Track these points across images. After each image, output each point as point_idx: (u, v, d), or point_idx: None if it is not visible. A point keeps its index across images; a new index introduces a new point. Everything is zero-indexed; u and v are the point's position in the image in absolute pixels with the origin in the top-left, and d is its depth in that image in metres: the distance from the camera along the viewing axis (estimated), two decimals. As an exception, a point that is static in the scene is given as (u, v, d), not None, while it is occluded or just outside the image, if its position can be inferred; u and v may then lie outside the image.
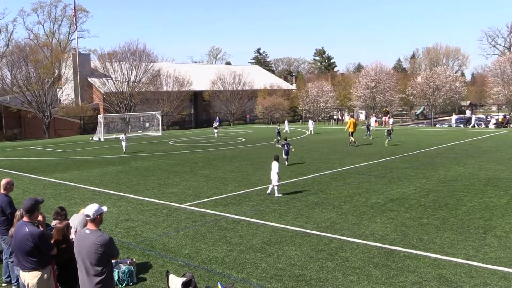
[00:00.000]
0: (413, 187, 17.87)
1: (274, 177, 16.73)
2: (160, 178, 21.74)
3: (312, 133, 45.75)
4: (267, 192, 17.11)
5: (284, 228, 12.75)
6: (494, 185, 17.83)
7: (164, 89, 65.88)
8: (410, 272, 9.36)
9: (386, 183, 18.84)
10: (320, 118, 72.74)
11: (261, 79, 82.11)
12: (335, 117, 73.54)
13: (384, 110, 65.65)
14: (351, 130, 33.57)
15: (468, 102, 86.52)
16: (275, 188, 16.84)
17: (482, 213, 13.78)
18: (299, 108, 75.34)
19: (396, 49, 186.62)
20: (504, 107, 65.43)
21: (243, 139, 42.15)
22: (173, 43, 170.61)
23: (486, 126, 54.58)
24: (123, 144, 33.20)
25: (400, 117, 70.50)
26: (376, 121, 52.03)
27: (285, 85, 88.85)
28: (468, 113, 60.79)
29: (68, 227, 7.30)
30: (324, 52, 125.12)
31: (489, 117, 59.79)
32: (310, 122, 48.94)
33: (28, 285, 6.82)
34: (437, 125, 58.89)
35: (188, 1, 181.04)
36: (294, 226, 12.86)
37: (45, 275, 6.82)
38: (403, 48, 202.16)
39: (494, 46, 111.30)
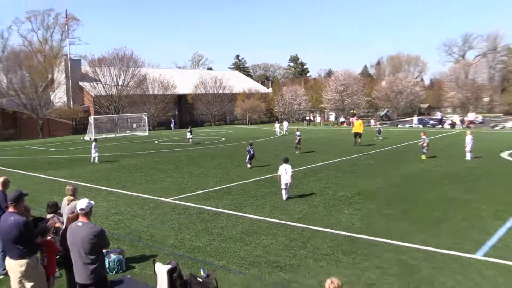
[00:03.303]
0: (377, 182, 18.13)
1: (285, 179, 15.19)
2: (147, 174, 21.63)
3: (287, 133, 45.95)
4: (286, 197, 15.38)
5: (261, 219, 12.85)
6: (449, 180, 18.19)
7: (150, 92, 65.43)
8: (374, 258, 9.55)
9: (353, 178, 19.08)
10: (294, 119, 73.01)
11: (240, 83, 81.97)
12: (307, 118, 73.83)
13: (352, 112, 66.23)
14: (358, 131, 31.81)
15: (427, 105, 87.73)
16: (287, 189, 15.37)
17: (438, 205, 14.07)
18: (275, 110, 75.53)
19: (363, 56, 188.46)
20: (458, 109, 66.58)
21: (223, 139, 42.10)
22: (159, 49, 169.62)
23: (442, 126, 55.49)
24: (93, 153, 26.78)
25: (366, 119, 71.13)
26: (344, 122, 52.45)
27: (262, 89, 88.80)
28: (439, 114, 61.72)
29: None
30: (298, 59, 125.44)
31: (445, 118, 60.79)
32: (285, 123, 49.12)
33: (15, 273, 6.74)
34: (398, 126, 59.59)
35: (173, 11, 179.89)
36: (270, 218, 12.96)
37: (31, 263, 6.77)
38: (369, 56, 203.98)
39: (450, 54, 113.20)
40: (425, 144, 24.09)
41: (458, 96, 66.81)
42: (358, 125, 31.64)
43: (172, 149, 33.46)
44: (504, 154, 25.23)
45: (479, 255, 9.57)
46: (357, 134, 31.38)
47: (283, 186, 15.27)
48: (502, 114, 73.26)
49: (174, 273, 7.17)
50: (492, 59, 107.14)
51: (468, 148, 23.74)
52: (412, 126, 57.40)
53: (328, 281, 5.22)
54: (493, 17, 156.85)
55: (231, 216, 13.30)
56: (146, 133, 52.95)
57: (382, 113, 75.93)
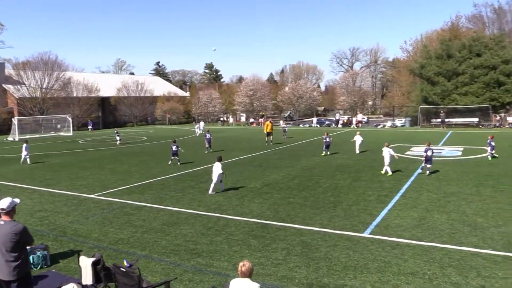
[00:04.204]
0: (283, 174, 18.54)
1: (214, 176, 14.79)
2: (71, 172, 20.37)
3: (203, 132, 45.54)
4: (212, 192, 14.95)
5: (180, 211, 12.60)
6: (342, 171, 19.07)
7: (75, 95, 61.92)
8: (280, 240, 9.73)
9: (262, 171, 19.34)
10: (209, 120, 72.75)
11: (160, 88, 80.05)
12: (221, 119, 73.89)
13: (260, 113, 67.26)
14: (269, 131, 31.85)
15: (323, 108, 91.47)
16: (212, 186, 14.90)
17: (333, 192, 14.69)
18: (192, 112, 74.80)
19: (269, 64, 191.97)
20: (348, 111, 70.14)
21: (145, 138, 40.86)
22: (83, 54, 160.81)
23: (336, 125, 58.14)
24: (24, 154, 23.72)
25: (272, 119, 72.66)
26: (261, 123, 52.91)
27: (180, 92, 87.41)
28: (337, 116, 64.24)
29: None
30: (213, 66, 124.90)
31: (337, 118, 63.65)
32: (201, 123, 48.76)
33: None
34: (300, 125, 61.53)
35: (98, 17, 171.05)
36: (189, 209, 12.75)
37: None
38: (274, 64, 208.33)
39: (340, 65, 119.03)
40: (327, 140, 24.53)
41: (348, 100, 70.45)
42: (269, 126, 32.24)
43: (96, 148, 31.83)
44: (390, 149, 26.87)
45: (366, 234, 10.11)
46: (269, 134, 31.86)
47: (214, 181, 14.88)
48: (382, 116, 78.45)
49: (98, 265, 6.80)
50: (374, 69, 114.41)
51: (357, 144, 25.20)
52: (311, 126, 59.53)
53: (240, 264, 5.21)
54: (375, 33, 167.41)
55: (152, 209, 12.90)
56: (71, 133, 50.11)
57: (286, 115, 78.04)
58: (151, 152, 28.55)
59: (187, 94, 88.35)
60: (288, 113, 75.13)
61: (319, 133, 42.43)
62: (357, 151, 25.06)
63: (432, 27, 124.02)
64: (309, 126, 59.96)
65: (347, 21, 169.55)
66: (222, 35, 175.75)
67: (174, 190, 15.69)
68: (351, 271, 7.96)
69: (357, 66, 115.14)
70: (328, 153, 24.62)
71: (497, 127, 44.75)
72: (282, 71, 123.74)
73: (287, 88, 76.98)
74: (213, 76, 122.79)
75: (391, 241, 9.53)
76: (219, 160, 15.05)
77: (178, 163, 21.80)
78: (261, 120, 63.07)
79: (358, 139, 25.36)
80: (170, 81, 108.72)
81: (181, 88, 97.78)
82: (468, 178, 16.62)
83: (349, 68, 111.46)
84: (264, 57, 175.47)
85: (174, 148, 21.88)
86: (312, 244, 9.46)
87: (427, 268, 8.05)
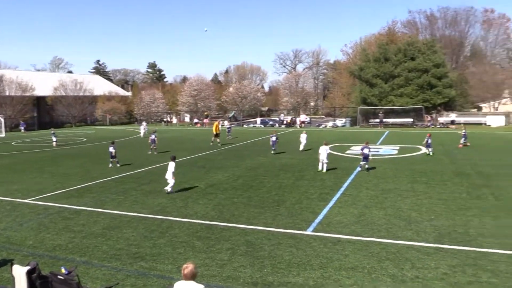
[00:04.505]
0: (227, 174, 18.54)
1: (169, 176, 14.75)
2: (4, 176, 19.15)
3: (146, 132, 44.56)
4: (166, 189, 14.91)
5: (122, 214, 12.24)
6: (285, 170, 19.38)
7: (7, 94, 58.22)
8: (225, 241, 9.73)
9: (206, 172, 19.23)
10: (152, 120, 71.21)
11: (101, 87, 77.17)
12: (165, 119, 72.56)
13: (205, 114, 66.79)
14: (216, 131, 31.60)
15: (266, 108, 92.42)
16: (170, 185, 14.87)
17: (277, 191, 14.90)
18: (134, 112, 72.89)
19: (213, 64, 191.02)
20: (291, 111, 71.41)
21: (85, 139, 39.26)
22: (17, 51, 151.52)
23: (279, 125, 58.97)
24: None
25: (217, 120, 72.46)
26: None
27: (122, 92, 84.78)
28: (282, 116, 64.94)
29: None
30: (156, 65, 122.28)
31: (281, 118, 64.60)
32: (144, 123, 47.68)
33: None
34: (244, 126, 61.78)
35: (33, 10, 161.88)
36: (131, 212, 12.42)
37: None
38: (219, 64, 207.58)
39: (284, 66, 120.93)
40: (273, 139, 25.28)
41: (291, 101, 71.73)
42: (215, 126, 32.10)
43: (31, 150, 30.14)
44: (328, 147, 27.65)
45: (309, 231, 10.35)
46: (217, 135, 31.65)
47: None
48: (324, 116, 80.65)
49: (34, 274, 6.44)
50: (316, 71, 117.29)
51: (303, 142, 26.29)
52: (255, 126, 59.97)
53: (183, 266, 5.16)
54: (317, 36, 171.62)
55: (92, 213, 12.43)
56: (3, 135, 47.05)
57: (230, 115, 78.13)
58: (90, 153, 27.50)
59: (129, 93, 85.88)
60: (233, 113, 75.27)
61: (264, 133, 42.85)
62: (301, 148, 26.12)
63: (370, 31, 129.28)
64: (253, 126, 60.37)
65: (290, 23, 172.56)
66: (165, 33, 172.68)
67: (116, 192, 15.21)
68: (294, 268, 8.12)
69: (300, 67, 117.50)
70: (273, 152, 25.07)
71: (429, 126, 47.41)
72: (227, 72, 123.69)
73: (231, 89, 77.08)
74: (156, 75, 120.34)
75: (333, 238, 9.83)
76: (173, 159, 14.99)
77: (118, 165, 21.09)
78: (205, 120, 62.70)
79: (303, 137, 26.44)
80: (111, 80, 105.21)
81: (122, 87, 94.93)
82: (404, 175, 17.49)
83: (292, 69, 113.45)
84: (209, 57, 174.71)
85: (111, 149, 21.14)
86: (256, 243, 9.55)
87: (366, 262, 8.38)
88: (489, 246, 9.13)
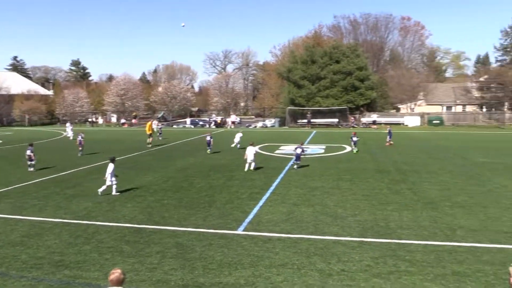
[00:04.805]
0: (157, 176, 18.13)
1: (108, 177, 14.35)
2: None
3: (73, 133, 42.34)
4: (100, 191, 14.42)
5: (44, 220, 11.51)
6: (216, 170, 19.35)
7: None
8: (154, 244, 9.51)
9: (135, 173, 18.67)
10: (76, 120, 67.78)
11: (18, 85, 71.99)
12: (90, 120, 69.37)
13: (133, 114, 64.78)
14: (148, 132, 30.73)
15: (197, 108, 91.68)
16: (113, 187, 14.41)
17: (207, 192, 14.84)
18: (56, 112, 68.87)
19: (141, 63, 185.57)
20: (221, 112, 71.50)
21: (1, 141, 36.41)
22: None
23: (210, 125, 58.78)
24: None
25: (146, 120, 70.59)
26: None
27: (42, 91, 79.69)
28: (213, 116, 64.50)
29: None
30: (80, 63, 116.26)
31: (211, 119, 64.51)
32: (68, 124, 45.33)
33: None
34: (173, 126, 60.79)
35: None
36: (53, 218, 11.71)
37: None
38: (147, 63, 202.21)
39: (214, 66, 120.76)
40: (208, 139, 25.74)
41: (221, 101, 71.85)
42: (148, 127, 31.22)
43: None
44: (256, 147, 28.06)
45: (240, 231, 10.43)
46: (150, 135, 30.81)
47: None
48: (254, 116, 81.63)
49: None
50: (245, 72, 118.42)
51: (236, 141, 27.93)
52: (185, 127, 59.25)
53: (111, 272, 4.98)
54: (246, 37, 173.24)
55: (9, 220, 11.55)
56: None
57: (160, 115, 76.59)
58: (8, 156, 25.57)
59: (51, 92, 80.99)
60: (162, 113, 73.79)
61: (194, 133, 42.51)
62: (233, 145, 27.80)
63: (298, 34, 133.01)
64: (183, 127, 59.63)
65: (220, 23, 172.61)
66: (90, 29, 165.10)
67: (36, 197, 14.27)
68: (226, 268, 8.14)
69: (230, 68, 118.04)
70: (209, 151, 25.41)
71: (353, 127, 49.75)
72: (155, 71, 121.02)
73: (160, 88, 75.58)
74: (80, 73, 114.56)
75: (263, 236, 9.98)
76: (112, 160, 14.65)
77: (31, 169, 19.65)
78: (134, 121, 60.90)
79: (237, 136, 28.28)
80: (30, 78, 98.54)
81: (43, 86, 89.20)
82: (330, 174, 18.20)
83: (222, 70, 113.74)
84: (136, 56, 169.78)
85: (29, 152, 19.78)
86: (187, 245, 9.44)
87: (296, 258, 8.61)
88: (407, 238, 9.78)
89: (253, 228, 10.63)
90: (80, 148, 25.69)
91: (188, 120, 64.03)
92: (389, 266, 8.16)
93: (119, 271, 4.94)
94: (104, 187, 14.47)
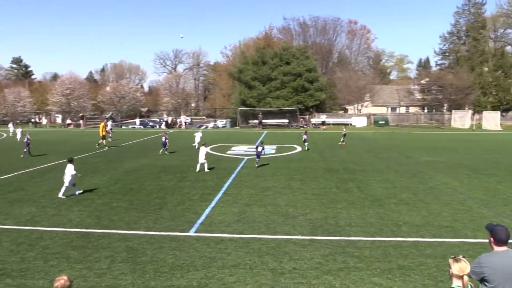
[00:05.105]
0: (105, 178, 17.58)
1: (66, 179, 14.08)
2: None
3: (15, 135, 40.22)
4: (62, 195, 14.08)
5: (-19, 227, 10.83)
6: (167, 172, 19.04)
7: None
8: (103, 249, 9.21)
9: (82, 176, 17.93)
10: (18, 121, 64.35)
11: (-49, 84, 67.57)
12: (33, 120, 66.09)
13: (80, 115, 62.42)
14: (102, 133, 29.72)
15: (146, 109, 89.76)
16: (62, 189, 14.07)
17: (158, 194, 14.57)
18: (-5, 112, 65.19)
19: (88, 62, 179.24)
20: (172, 112, 70.47)
21: None
22: None
23: (160, 126, 57.76)
24: None
25: (93, 120, 68.33)
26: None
27: (-21, 90, 75.17)
28: (165, 117, 63.18)
29: None
30: (21, 61, 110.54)
31: (161, 119, 63.44)
32: (10, 125, 43.25)
33: None
34: (123, 127, 59.18)
35: None
36: (-8, 224, 11.06)
37: None
38: (94, 62, 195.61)
39: (164, 66, 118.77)
40: (163, 139, 25.56)
41: (172, 101, 70.82)
42: (101, 128, 30.14)
43: None
44: (208, 148, 27.91)
45: (191, 232, 10.32)
46: (104, 136, 29.76)
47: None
48: (205, 117, 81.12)
49: None
50: (196, 72, 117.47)
51: (197, 141, 28.63)
52: (135, 127, 57.87)
53: (56, 279, 4.77)
54: (197, 37, 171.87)
55: None
56: None
57: (108, 116, 74.35)
58: None
59: (-11, 92, 76.43)
60: (110, 113, 71.65)
61: (144, 134, 41.64)
62: (194, 144, 28.73)
63: (249, 35, 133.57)
64: (132, 127, 58.18)
65: (170, 22, 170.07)
66: (33, 25, 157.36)
67: (-28, 203, 13.40)
68: (178, 271, 8.03)
69: (180, 68, 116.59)
70: (166, 152, 25.29)
71: (303, 127, 50.69)
72: (103, 70, 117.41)
73: (108, 88, 73.40)
74: (22, 72, 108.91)
75: (215, 237, 9.94)
76: (71, 161, 14.24)
77: None
78: (81, 121, 58.78)
79: (197, 136, 29.24)
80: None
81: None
82: (281, 174, 18.43)
83: (173, 70, 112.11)
84: (83, 54, 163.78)
85: None
86: (138, 248, 9.22)
87: (248, 258, 8.64)
88: (355, 235, 10.09)
89: (205, 229, 10.56)
90: (26, 150, 24.46)
91: (137, 120, 62.57)
92: (339, 263, 8.38)
93: (64, 277, 4.73)
94: (75, 189, 14.36)
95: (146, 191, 14.98)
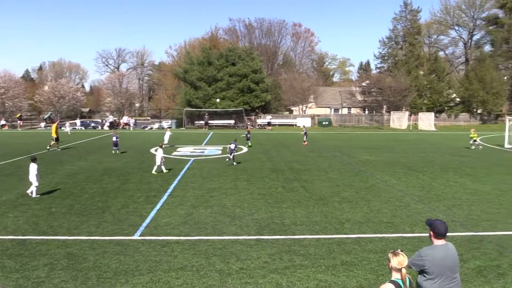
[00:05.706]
0: (43, 182, 16.56)
1: (32, 178, 13.87)
2: None
3: None
4: (27, 192, 14.11)
5: None
6: (109, 174, 18.44)
7: None
8: (41, 256, 8.75)
9: (17, 181, 16.98)
10: None
11: None
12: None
13: (17, 116, 58.90)
14: (54, 135, 28.02)
15: (88, 109, 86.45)
16: (34, 188, 13.97)
17: (100, 197, 14.07)
18: None
19: (24, 60, 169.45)
20: (115, 112, 68.39)
21: None
22: None
23: (102, 127, 55.85)
24: None
25: (30, 121, 64.79)
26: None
27: None
28: (110, 117, 60.83)
29: None
30: None
31: (104, 120, 61.37)
32: None
33: None
34: (62, 128, 56.53)
35: None
36: None
37: None
38: (31, 60, 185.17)
39: (106, 65, 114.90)
40: (114, 139, 25.79)
41: (115, 101, 68.69)
42: (53, 129, 28.49)
43: None
44: (152, 150, 27.36)
45: (136, 236, 10.06)
46: (57, 138, 28.11)
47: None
48: (150, 118, 79.42)
49: None
50: (141, 72, 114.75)
51: (166, 140, 29.78)
52: (75, 128, 55.48)
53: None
54: (141, 36, 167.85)
55: None
56: None
57: (46, 116, 70.76)
58: None
59: None
60: (48, 114, 68.25)
61: (86, 135, 40.08)
62: (168, 144, 29.42)
63: (194, 35, 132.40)
64: (73, 128, 55.77)
65: (113, 19, 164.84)
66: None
67: None
68: (122, 276, 7.79)
69: (123, 67, 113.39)
70: (118, 152, 25.42)
71: (249, 127, 51.02)
72: (40, 68, 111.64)
73: (46, 87, 69.89)
74: None
75: (161, 240, 9.75)
76: (34, 160, 13.96)
77: None
78: (19, 122, 55.64)
79: (167, 135, 30.73)
80: None
81: None
82: (227, 174, 18.42)
83: (116, 69, 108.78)
84: (18, 51, 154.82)
85: None
86: (79, 254, 8.85)
87: (195, 260, 8.55)
88: (301, 233, 10.30)
89: (150, 232, 10.34)
90: None
91: (78, 121, 60.06)
92: (285, 261, 8.51)
93: (-1, 289, 4.47)
94: (32, 188, 13.91)
95: (88, 195, 14.42)
